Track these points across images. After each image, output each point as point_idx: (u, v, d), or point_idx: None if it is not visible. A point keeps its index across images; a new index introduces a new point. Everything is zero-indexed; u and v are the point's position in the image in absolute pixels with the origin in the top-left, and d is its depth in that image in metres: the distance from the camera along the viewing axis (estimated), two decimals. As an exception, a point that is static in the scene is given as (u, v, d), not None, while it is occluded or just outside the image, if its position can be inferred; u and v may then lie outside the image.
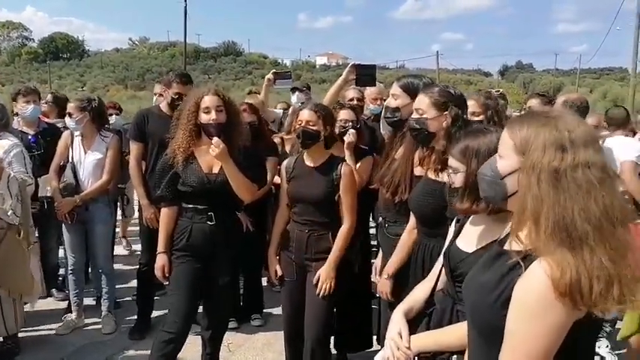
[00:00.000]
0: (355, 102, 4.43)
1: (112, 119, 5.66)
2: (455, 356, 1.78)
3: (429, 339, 1.87)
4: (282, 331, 3.40)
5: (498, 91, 5.51)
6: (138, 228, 6.16)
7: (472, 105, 3.57)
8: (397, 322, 1.94)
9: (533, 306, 1.24)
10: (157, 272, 3.24)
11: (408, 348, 1.83)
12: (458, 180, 2.03)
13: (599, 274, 1.20)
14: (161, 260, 3.22)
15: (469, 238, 2.01)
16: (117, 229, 5.66)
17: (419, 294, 2.11)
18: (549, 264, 1.23)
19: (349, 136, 3.59)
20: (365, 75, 3.60)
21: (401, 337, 1.86)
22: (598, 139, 1.37)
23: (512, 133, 1.38)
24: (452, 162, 2.07)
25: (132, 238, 6.66)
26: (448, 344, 1.81)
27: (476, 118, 3.53)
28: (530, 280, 1.26)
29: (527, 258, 1.30)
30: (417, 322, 2.02)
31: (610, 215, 1.25)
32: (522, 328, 1.27)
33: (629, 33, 24.70)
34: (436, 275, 2.12)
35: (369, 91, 4.64)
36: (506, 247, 1.44)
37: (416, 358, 1.83)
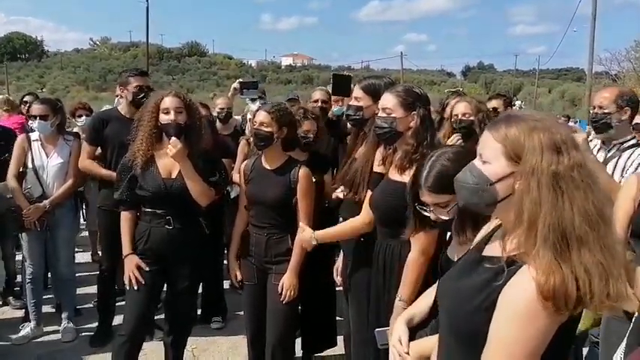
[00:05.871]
0: (320, 103, 4.44)
1: (82, 120, 5.57)
2: None
3: (428, 343, 1.85)
4: (246, 335, 3.37)
5: (460, 89, 5.66)
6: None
7: (464, 106, 3.69)
8: (398, 329, 1.96)
9: (522, 311, 1.24)
10: (135, 273, 3.06)
11: (407, 353, 1.86)
12: (451, 213, 1.99)
13: (596, 271, 1.22)
14: (131, 261, 3.09)
15: (454, 246, 2.04)
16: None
17: (422, 303, 2.10)
18: (536, 269, 1.24)
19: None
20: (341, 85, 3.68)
21: (401, 343, 1.90)
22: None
23: (500, 137, 1.35)
24: (437, 199, 1.99)
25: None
26: None
27: (464, 118, 3.67)
28: (519, 285, 1.27)
29: (514, 264, 1.30)
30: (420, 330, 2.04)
31: (603, 213, 1.27)
32: (509, 333, 1.27)
33: (585, 35, 25.49)
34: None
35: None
36: (486, 252, 1.45)
37: None
